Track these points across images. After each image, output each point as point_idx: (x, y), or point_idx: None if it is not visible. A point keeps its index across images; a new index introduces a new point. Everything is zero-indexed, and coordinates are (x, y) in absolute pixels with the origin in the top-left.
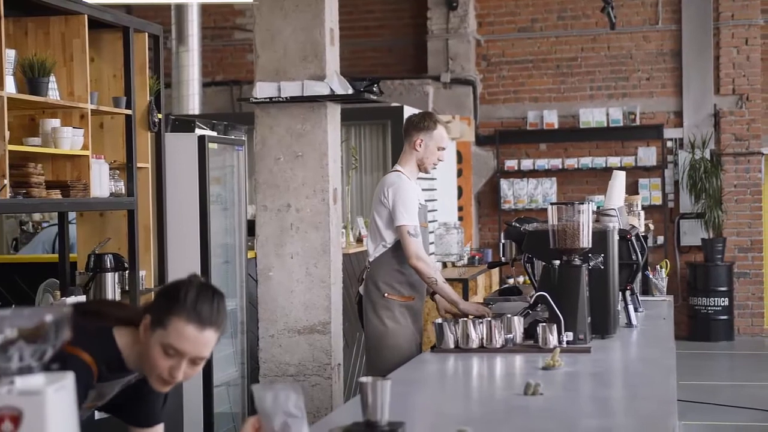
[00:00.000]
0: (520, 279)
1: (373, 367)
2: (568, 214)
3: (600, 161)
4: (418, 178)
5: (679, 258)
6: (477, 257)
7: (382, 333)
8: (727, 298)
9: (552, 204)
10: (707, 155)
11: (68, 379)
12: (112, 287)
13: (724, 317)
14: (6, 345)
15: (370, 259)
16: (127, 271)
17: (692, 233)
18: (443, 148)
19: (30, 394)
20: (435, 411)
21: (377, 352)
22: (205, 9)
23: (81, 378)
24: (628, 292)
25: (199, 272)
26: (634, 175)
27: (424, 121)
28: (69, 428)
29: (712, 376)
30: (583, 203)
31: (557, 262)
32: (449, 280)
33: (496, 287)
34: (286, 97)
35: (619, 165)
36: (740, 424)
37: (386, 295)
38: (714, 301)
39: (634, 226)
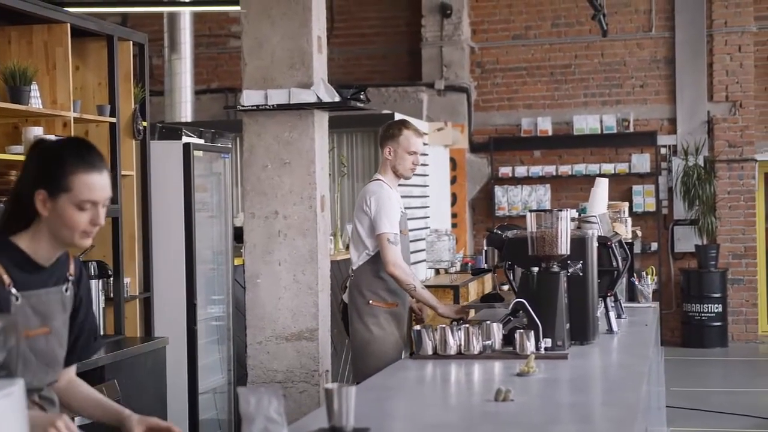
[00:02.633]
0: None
1: (359, 374)
2: (546, 222)
3: (594, 168)
4: (400, 185)
5: (673, 264)
6: (470, 264)
7: (368, 340)
8: (720, 305)
9: (531, 211)
10: (701, 162)
11: (16, 386)
12: (96, 295)
13: (718, 324)
14: None
15: (354, 267)
16: (111, 279)
17: (686, 240)
18: (414, 153)
19: None
20: (405, 417)
21: (363, 358)
22: (200, 17)
23: None
24: (609, 299)
25: (184, 279)
26: (628, 181)
27: (390, 129)
28: None
29: (705, 382)
30: (561, 210)
31: (536, 269)
32: (441, 287)
33: None
34: (273, 105)
35: (612, 172)
36: (732, 431)
37: (371, 302)
38: (708, 307)
39: (617, 233)
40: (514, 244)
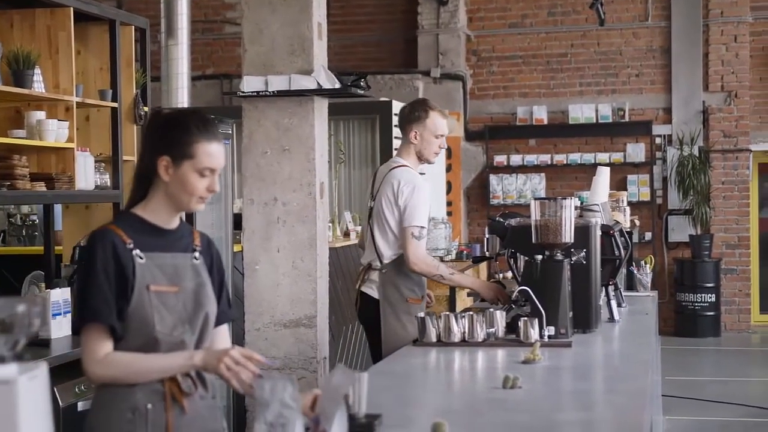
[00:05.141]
0: (509, 274)
1: None
2: (550, 210)
3: (589, 157)
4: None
5: (666, 254)
6: (465, 252)
7: (403, 337)
8: (714, 294)
9: (535, 199)
10: (696, 152)
11: (41, 369)
12: None
13: (711, 313)
14: None
15: (385, 261)
16: None
17: (680, 229)
18: (441, 135)
19: (1, 383)
20: (414, 403)
21: None
22: (195, 3)
23: (103, 239)
24: (611, 288)
25: None
26: (623, 171)
27: (415, 111)
28: (42, 417)
29: (699, 371)
30: (565, 199)
31: (539, 257)
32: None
33: None
34: (273, 91)
35: (607, 161)
36: (725, 420)
37: (409, 299)
38: (701, 297)
39: (618, 222)
40: (518, 232)
